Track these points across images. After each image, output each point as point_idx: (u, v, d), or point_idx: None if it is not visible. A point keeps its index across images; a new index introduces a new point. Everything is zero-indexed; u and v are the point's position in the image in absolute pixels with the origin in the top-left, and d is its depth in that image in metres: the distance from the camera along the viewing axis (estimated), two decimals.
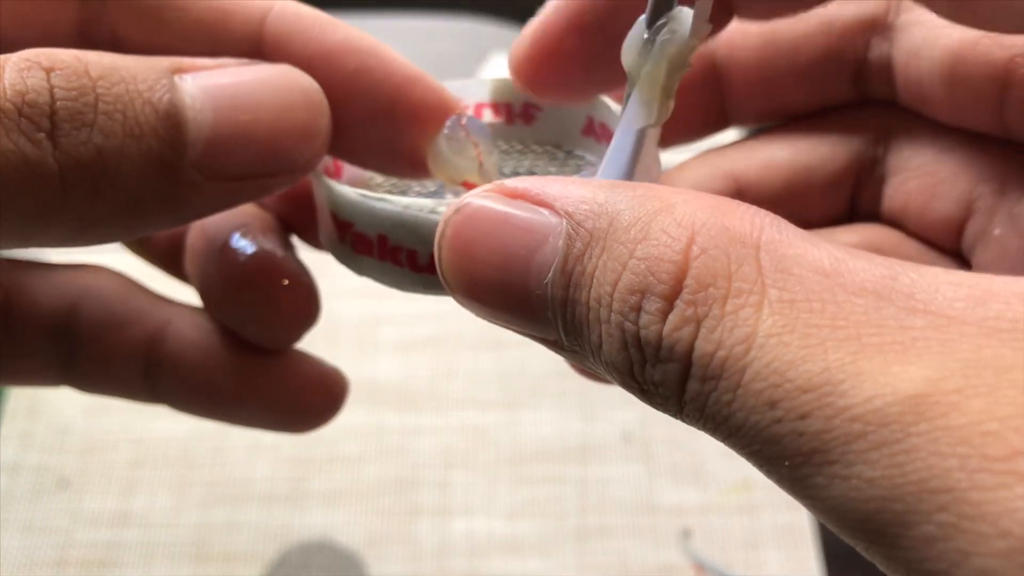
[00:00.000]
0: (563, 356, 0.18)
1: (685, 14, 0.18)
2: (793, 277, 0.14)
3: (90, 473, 0.49)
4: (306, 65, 0.21)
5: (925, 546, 0.13)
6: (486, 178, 0.23)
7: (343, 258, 0.23)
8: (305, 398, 0.26)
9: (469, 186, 0.23)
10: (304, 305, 0.25)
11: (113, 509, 0.47)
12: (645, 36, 0.19)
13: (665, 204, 0.16)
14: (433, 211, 0.21)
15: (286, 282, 0.24)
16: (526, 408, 0.51)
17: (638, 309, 0.15)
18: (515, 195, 0.17)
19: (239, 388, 0.25)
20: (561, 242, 0.16)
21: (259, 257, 0.24)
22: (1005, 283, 0.14)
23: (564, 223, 0.16)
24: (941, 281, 0.14)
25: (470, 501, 0.47)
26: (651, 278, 0.15)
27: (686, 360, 0.15)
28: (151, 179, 0.18)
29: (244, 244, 0.24)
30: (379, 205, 0.21)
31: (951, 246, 0.24)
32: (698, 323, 0.15)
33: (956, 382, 0.13)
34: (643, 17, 0.19)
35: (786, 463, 0.14)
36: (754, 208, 0.16)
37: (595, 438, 0.49)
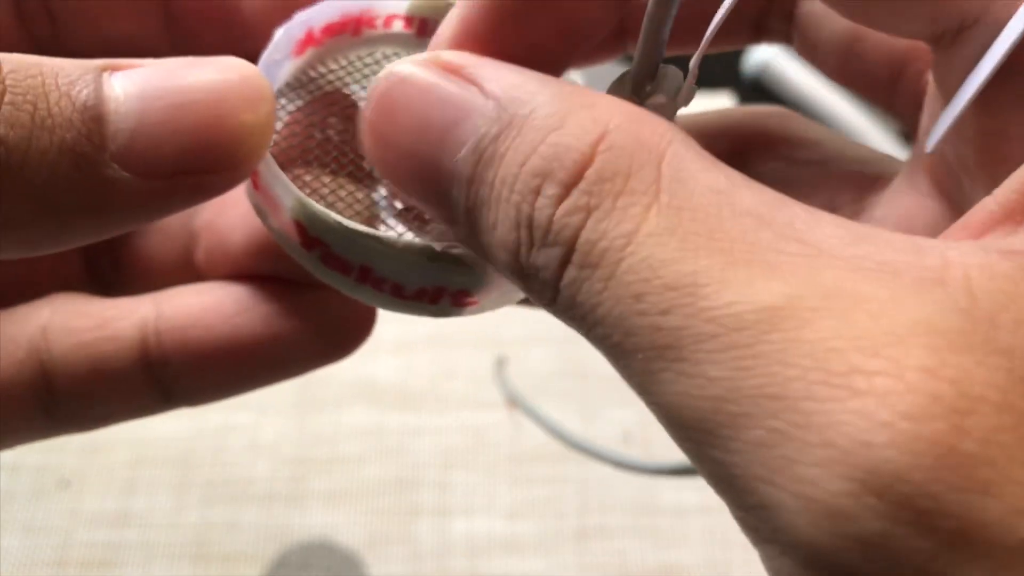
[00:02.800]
0: (455, 239, 0.19)
1: (673, 75, 0.18)
2: (686, 188, 0.15)
3: (90, 473, 0.49)
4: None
5: (753, 450, 0.14)
6: None
7: (306, 263, 0.21)
8: (344, 324, 0.25)
9: None
10: None
11: (113, 509, 0.47)
12: (628, 93, 0.18)
13: (587, 102, 0.16)
14: (431, 256, 0.20)
15: None
16: (526, 408, 0.51)
17: (537, 192, 0.16)
18: (449, 68, 0.17)
19: (273, 335, 0.24)
20: (481, 122, 0.17)
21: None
22: (881, 231, 0.15)
23: (490, 104, 0.17)
24: (826, 220, 0.15)
25: (470, 501, 0.47)
26: (556, 164, 0.16)
27: (569, 246, 0.15)
28: (65, 174, 0.17)
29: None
30: (368, 243, 0.20)
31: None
32: (588, 213, 0.15)
33: (814, 302, 0.14)
34: (626, 72, 0.18)
35: (640, 355, 0.15)
36: (670, 124, 0.16)
37: (595, 438, 0.49)
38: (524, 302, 0.24)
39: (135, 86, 0.18)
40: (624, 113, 0.16)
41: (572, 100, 0.16)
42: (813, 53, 0.24)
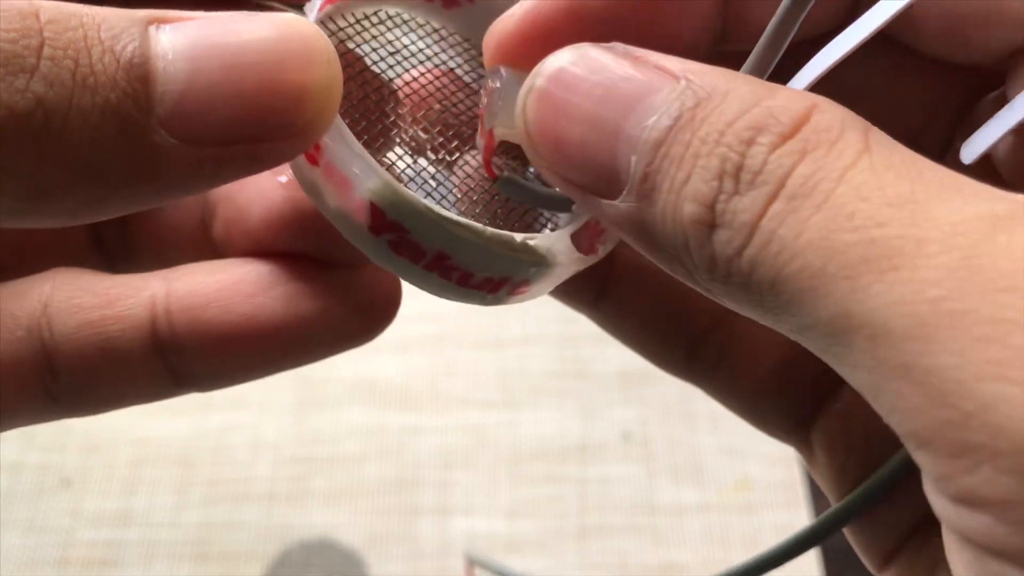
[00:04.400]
0: (594, 211, 0.18)
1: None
2: (894, 147, 0.15)
3: (92, 472, 0.49)
4: None
5: (978, 347, 0.13)
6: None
7: (365, 247, 0.20)
8: (369, 302, 0.24)
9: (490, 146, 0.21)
10: None
11: (114, 508, 0.47)
12: None
13: (780, 89, 0.16)
14: (513, 248, 0.20)
15: None
16: (526, 408, 0.51)
17: (750, 142, 0.16)
18: (630, 56, 0.17)
19: (296, 316, 0.23)
20: (676, 94, 0.16)
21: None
22: None
23: (682, 83, 0.16)
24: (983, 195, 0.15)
25: (470, 500, 0.48)
26: (771, 120, 0.16)
27: (780, 182, 0.15)
28: (109, 139, 0.16)
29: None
30: (456, 231, 0.19)
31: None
32: (803, 154, 0.15)
33: None
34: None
35: (844, 274, 0.14)
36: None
37: (595, 438, 0.49)
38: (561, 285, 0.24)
39: (185, 42, 0.16)
40: (823, 97, 0.16)
41: (766, 85, 0.16)
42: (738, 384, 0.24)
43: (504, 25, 0.20)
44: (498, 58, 0.20)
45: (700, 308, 0.24)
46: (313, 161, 0.20)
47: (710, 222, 0.16)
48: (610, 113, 0.17)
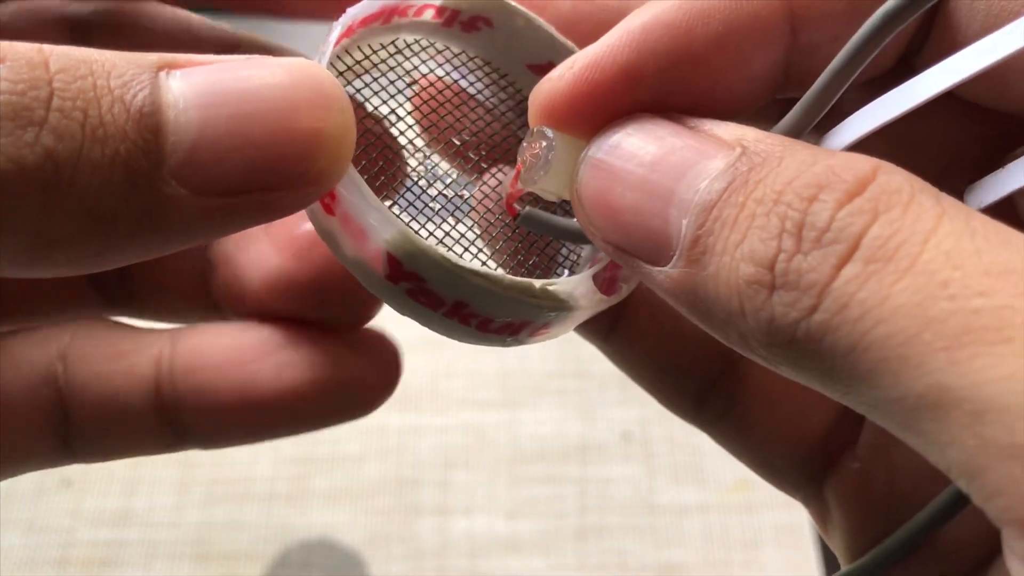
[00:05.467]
0: (645, 278, 0.18)
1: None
2: (967, 210, 0.14)
3: (92, 472, 0.49)
4: None
5: None
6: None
7: (383, 295, 0.20)
8: (372, 369, 0.24)
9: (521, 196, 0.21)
10: None
11: (114, 508, 0.47)
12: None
13: (838, 152, 0.16)
14: (533, 294, 0.19)
15: None
16: (526, 408, 0.51)
17: (812, 199, 0.15)
18: (685, 124, 0.17)
19: (291, 389, 0.23)
20: (728, 160, 0.16)
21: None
22: None
23: (737, 150, 0.16)
24: None
25: (470, 500, 0.48)
26: (834, 178, 0.15)
27: (854, 242, 0.14)
28: (119, 190, 0.15)
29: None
30: (476, 282, 0.19)
31: None
32: (876, 214, 0.14)
33: None
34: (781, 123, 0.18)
35: (942, 345, 0.13)
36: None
37: (595, 438, 0.49)
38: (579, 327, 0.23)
39: (195, 89, 0.16)
40: (882, 160, 0.15)
41: (824, 149, 0.16)
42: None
43: (554, 87, 0.19)
44: (545, 119, 0.20)
45: (711, 354, 0.23)
46: (329, 211, 0.20)
47: (769, 283, 0.15)
48: (662, 179, 0.17)
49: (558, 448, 0.49)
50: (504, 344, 0.21)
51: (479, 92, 0.24)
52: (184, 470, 0.49)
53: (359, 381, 0.24)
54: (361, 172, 0.20)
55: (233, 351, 0.23)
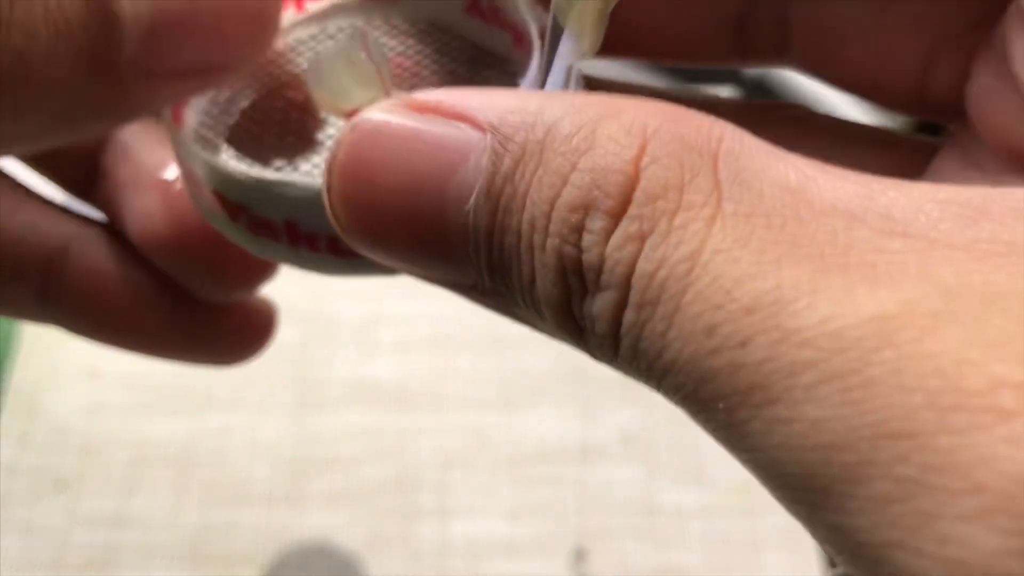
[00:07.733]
0: (483, 303, 0.16)
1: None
2: (753, 191, 0.12)
3: (88, 474, 0.48)
4: None
5: (879, 509, 0.11)
6: None
7: (238, 238, 0.19)
8: (237, 338, 0.24)
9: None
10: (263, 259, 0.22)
11: (111, 510, 0.47)
12: None
13: (610, 110, 0.13)
14: None
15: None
16: (526, 409, 0.51)
17: (580, 229, 0.13)
18: (425, 109, 0.15)
19: (158, 328, 0.24)
20: (485, 159, 0.14)
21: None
22: (1003, 198, 0.12)
23: (488, 138, 0.14)
24: (926, 199, 0.12)
25: (470, 502, 0.47)
26: (596, 192, 0.13)
27: (624, 284, 0.13)
28: (83, 83, 0.16)
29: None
30: (283, 190, 0.18)
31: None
32: (642, 240, 0.13)
33: (933, 305, 0.11)
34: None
35: (721, 405, 0.12)
36: (712, 117, 0.13)
37: (595, 439, 0.49)
38: None
39: None
40: (659, 114, 0.13)
41: (591, 111, 0.14)
42: (818, 64, 0.20)
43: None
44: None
45: None
46: (186, 178, 0.20)
47: (575, 329, 0.14)
48: (424, 204, 0.14)
49: (558, 449, 0.49)
50: (373, 272, 0.19)
51: (420, 53, 0.22)
52: (181, 472, 0.49)
53: (229, 345, 0.25)
54: (273, 137, 0.20)
55: (121, 283, 0.24)
